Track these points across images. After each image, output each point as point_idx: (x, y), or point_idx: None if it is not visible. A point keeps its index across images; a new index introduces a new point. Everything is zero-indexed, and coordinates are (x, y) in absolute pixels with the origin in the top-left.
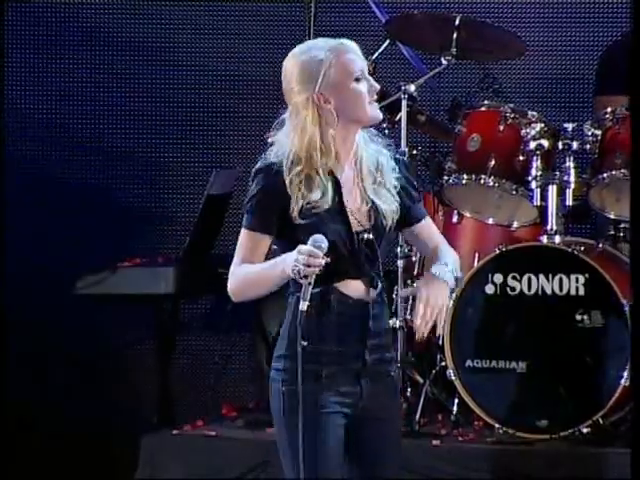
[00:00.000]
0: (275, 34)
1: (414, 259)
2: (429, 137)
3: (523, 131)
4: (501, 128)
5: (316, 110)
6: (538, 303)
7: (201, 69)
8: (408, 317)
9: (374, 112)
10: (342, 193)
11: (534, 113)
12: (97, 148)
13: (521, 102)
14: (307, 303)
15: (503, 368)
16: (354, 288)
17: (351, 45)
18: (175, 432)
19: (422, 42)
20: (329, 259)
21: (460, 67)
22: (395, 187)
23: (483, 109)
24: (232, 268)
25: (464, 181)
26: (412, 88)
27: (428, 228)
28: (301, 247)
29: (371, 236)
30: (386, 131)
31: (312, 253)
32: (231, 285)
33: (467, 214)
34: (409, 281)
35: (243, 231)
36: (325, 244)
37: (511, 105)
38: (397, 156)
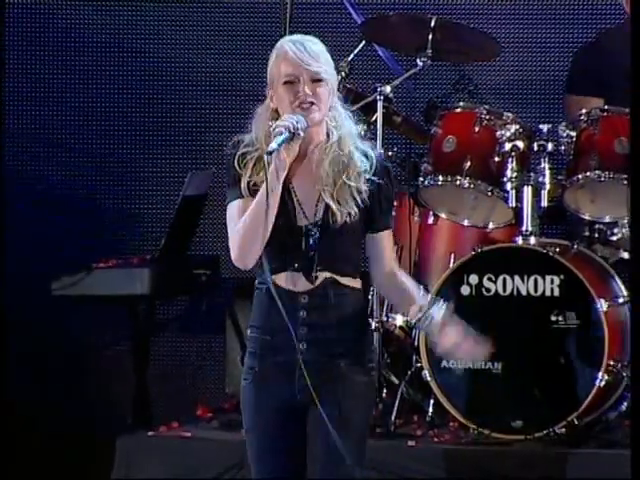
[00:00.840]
0: (253, 32)
1: None
2: (405, 138)
3: (498, 132)
4: (476, 129)
5: (268, 105)
6: (513, 304)
7: (177, 76)
8: (384, 319)
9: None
10: (292, 184)
11: (509, 114)
12: (73, 149)
13: (496, 103)
14: (275, 147)
15: (478, 369)
16: (287, 280)
17: (297, 46)
18: (150, 433)
19: (398, 43)
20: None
21: (435, 68)
22: (363, 192)
23: (458, 110)
24: (230, 243)
25: (440, 182)
26: (388, 89)
27: (382, 242)
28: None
29: (314, 231)
30: (362, 132)
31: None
32: (233, 247)
33: (443, 215)
34: None
35: (229, 206)
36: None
37: (486, 106)
38: (384, 163)
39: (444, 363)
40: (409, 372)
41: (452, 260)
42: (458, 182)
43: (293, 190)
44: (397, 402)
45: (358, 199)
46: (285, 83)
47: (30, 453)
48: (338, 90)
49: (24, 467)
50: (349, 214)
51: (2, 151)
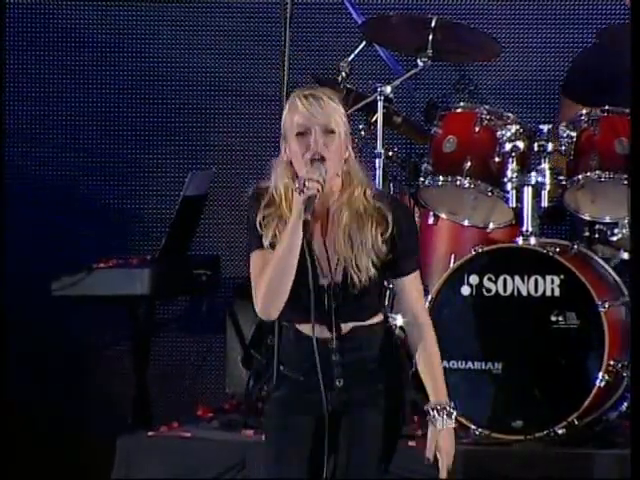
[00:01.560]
0: (254, 33)
1: None
2: (405, 138)
3: (499, 132)
4: (477, 129)
5: (282, 155)
6: (513, 304)
7: (177, 76)
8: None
9: (312, 172)
10: (311, 243)
11: (510, 115)
12: (73, 149)
13: (497, 104)
14: (309, 215)
15: (478, 369)
16: (309, 329)
17: (308, 99)
18: (151, 433)
19: (398, 43)
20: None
21: (436, 68)
22: (382, 253)
23: (459, 110)
24: (254, 293)
25: (440, 182)
26: (388, 89)
27: (406, 286)
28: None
29: (333, 289)
30: (362, 133)
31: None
32: (256, 299)
33: (443, 215)
34: (385, 282)
35: (251, 256)
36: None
37: (487, 107)
38: (400, 206)
39: (444, 363)
40: (409, 372)
41: (452, 260)
42: (458, 182)
43: (311, 249)
44: None
45: (377, 261)
46: (297, 135)
47: (30, 453)
48: (338, 91)
49: (24, 467)
50: (369, 278)
51: (2, 151)
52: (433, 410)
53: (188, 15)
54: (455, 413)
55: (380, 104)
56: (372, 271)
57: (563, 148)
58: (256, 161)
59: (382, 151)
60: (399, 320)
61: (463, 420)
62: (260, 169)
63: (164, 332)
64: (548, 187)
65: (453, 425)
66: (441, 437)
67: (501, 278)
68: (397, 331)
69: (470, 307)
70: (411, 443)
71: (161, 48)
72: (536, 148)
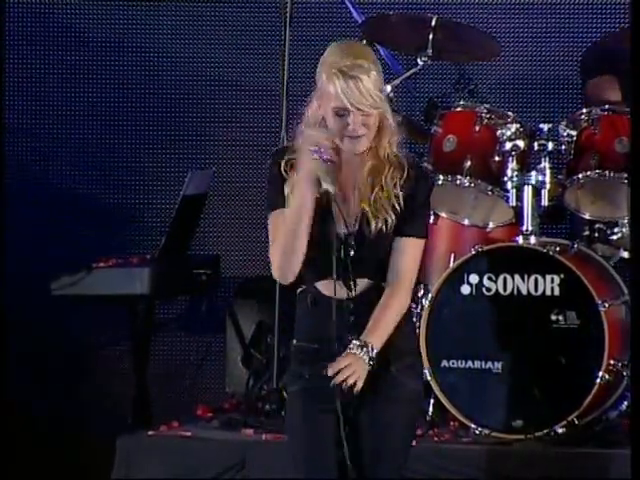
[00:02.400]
0: (256, 27)
1: None
2: (405, 138)
3: (499, 132)
4: (477, 129)
5: (316, 110)
6: (513, 303)
7: (177, 72)
8: None
9: (347, 147)
10: (333, 194)
11: (510, 114)
12: (74, 148)
13: (497, 103)
14: (332, 186)
15: (479, 368)
16: (330, 288)
17: (348, 83)
18: (151, 433)
19: (398, 43)
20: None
21: (436, 68)
22: (399, 197)
23: (459, 110)
24: (271, 251)
25: (440, 182)
26: (388, 88)
27: (404, 249)
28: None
29: (352, 239)
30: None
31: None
32: (273, 261)
33: (443, 214)
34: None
35: (269, 217)
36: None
37: (487, 106)
38: (420, 170)
39: (444, 362)
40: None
41: (452, 259)
42: (458, 181)
43: (334, 199)
44: None
45: (395, 205)
46: (335, 114)
47: (30, 453)
48: None
49: (24, 467)
50: (385, 221)
51: (2, 150)
52: (355, 342)
53: (189, 10)
54: (371, 353)
55: None
56: (390, 216)
57: (563, 147)
58: (257, 160)
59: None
60: None
61: (463, 419)
62: (261, 169)
63: (164, 332)
64: (548, 186)
65: (361, 356)
66: (341, 357)
67: (501, 277)
68: None
69: (470, 306)
70: None
71: (161, 44)
72: (536, 147)
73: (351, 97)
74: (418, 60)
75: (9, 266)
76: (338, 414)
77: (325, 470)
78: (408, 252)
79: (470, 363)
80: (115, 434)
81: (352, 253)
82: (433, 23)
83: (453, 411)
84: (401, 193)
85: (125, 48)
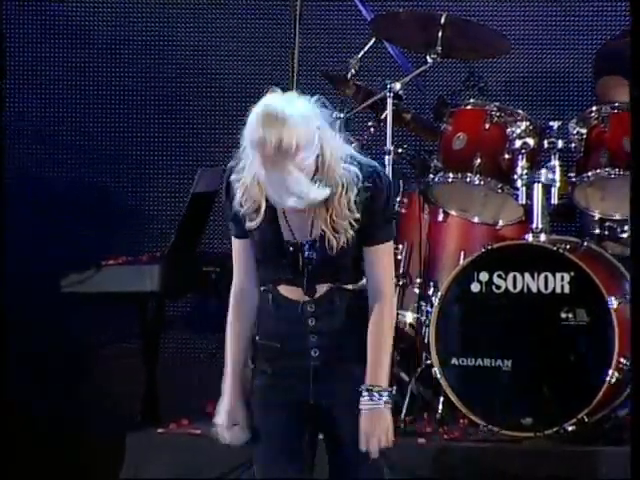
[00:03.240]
0: (262, 33)
1: (399, 257)
2: (414, 135)
3: (509, 129)
4: (487, 126)
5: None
6: (523, 301)
7: (185, 67)
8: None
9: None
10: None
11: (519, 111)
12: (82, 147)
13: (506, 101)
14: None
15: (488, 366)
16: (290, 291)
17: (263, 118)
18: (160, 431)
19: (407, 40)
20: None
21: (445, 65)
22: (354, 212)
23: (469, 107)
24: (235, 280)
25: (450, 179)
26: (398, 86)
27: (374, 256)
28: (224, 418)
29: (309, 248)
30: (372, 129)
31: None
32: (229, 312)
33: (453, 212)
34: (395, 279)
35: (232, 240)
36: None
37: (496, 104)
38: (379, 175)
39: (454, 360)
40: (419, 369)
41: (462, 257)
42: (468, 179)
43: (283, 213)
44: (407, 399)
45: (352, 222)
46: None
47: (39, 452)
48: (348, 88)
49: (24, 467)
50: (346, 239)
51: (4, 149)
52: (363, 392)
53: (196, 13)
54: (387, 396)
55: (389, 101)
56: (349, 232)
57: (573, 145)
58: None
59: (391, 148)
60: (408, 317)
61: (473, 417)
62: None
63: (173, 329)
64: (558, 184)
65: (381, 407)
66: (363, 418)
67: (511, 275)
68: (406, 328)
69: (480, 304)
70: (420, 440)
71: (169, 44)
72: (546, 145)
73: (279, 195)
74: (427, 58)
75: (10, 266)
76: (305, 411)
77: (284, 469)
78: (381, 259)
79: (480, 361)
80: (125, 431)
81: (311, 261)
82: (442, 21)
83: (463, 409)
84: (355, 208)
85: (129, 43)
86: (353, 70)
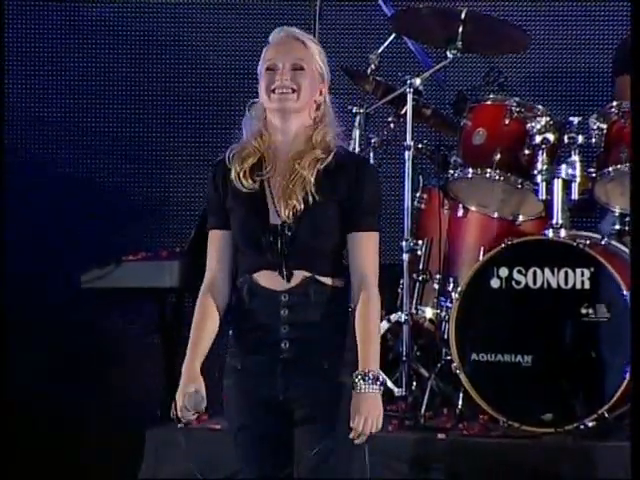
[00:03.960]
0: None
1: (419, 253)
2: (434, 131)
3: (528, 125)
4: (506, 122)
5: (259, 102)
6: (543, 297)
7: (205, 65)
8: (414, 311)
9: (272, 103)
10: (269, 180)
11: (540, 107)
12: (102, 143)
13: (526, 96)
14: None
15: (508, 362)
16: (266, 278)
17: (285, 35)
18: (180, 425)
19: (428, 36)
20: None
21: (465, 61)
22: (310, 183)
23: (488, 103)
24: (207, 271)
25: (469, 175)
26: (417, 82)
27: (357, 243)
28: (180, 398)
29: (288, 231)
30: (392, 125)
31: (183, 412)
32: (199, 296)
33: (472, 208)
34: (414, 275)
35: (210, 233)
36: (200, 408)
37: (516, 99)
38: (366, 164)
39: (474, 356)
40: (439, 365)
41: (482, 253)
42: (488, 175)
43: (269, 187)
44: (426, 395)
45: (308, 191)
46: (266, 70)
47: (61, 447)
48: (367, 82)
49: (54, 462)
50: (294, 208)
51: (2, 144)
52: (357, 377)
53: (215, 11)
54: (381, 381)
55: (409, 96)
56: (299, 205)
57: (593, 140)
58: None
59: (411, 143)
60: (428, 312)
61: (493, 412)
62: None
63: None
64: (578, 179)
65: (376, 391)
66: (359, 400)
67: (531, 271)
68: (426, 323)
69: (500, 300)
70: (440, 436)
71: (175, 43)
72: (566, 140)
73: (281, 49)
74: (448, 53)
75: (27, 263)
76: (276, 407)
77: (263, 468)
78: (363, 246)
79: (500, 357)
80: (144, 427)
81: (291, 241)
82: (463, 16)
83: (482, 405)
84: (313, 181)
85: (140, 40)
86: (373, 66)
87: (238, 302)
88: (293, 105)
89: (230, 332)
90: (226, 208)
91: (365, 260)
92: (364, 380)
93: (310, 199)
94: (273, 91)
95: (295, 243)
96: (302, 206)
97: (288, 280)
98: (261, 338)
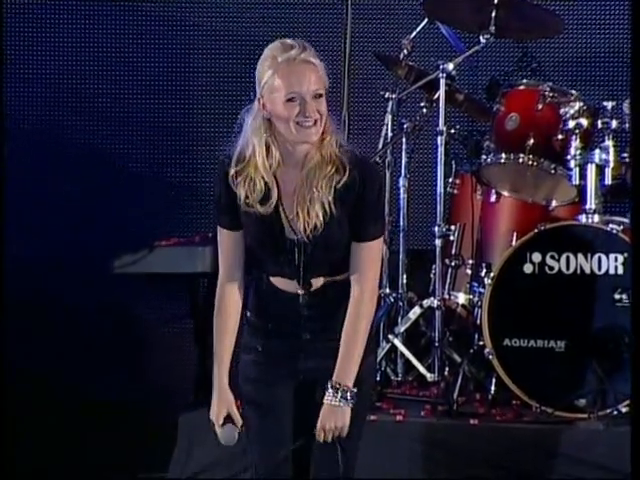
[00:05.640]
0: (311, 17)
1: (452, 238)
2: (467, 116)
3: (562, 110)
4: (540, 107)
5: (260, 113)
6: (576, 282)
7: (235, 54)
8: (446, 297)
9: (297, 135)
10: (281, 198)
11: (573, 92)
12: (137, 128)
13: (560, 81)
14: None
15: (541, 347)
16: (285, 284)
17: (297, 61)
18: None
19: (460, 21)
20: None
21: (498, 46)
22: (329, 203)
23: (521, 88)
24: (221, 271)
25: (502, 160)
26: (450, 67)
27: (360, 252)
28: (214, 418)
29: (305, 246)
30: (424, 110)
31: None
32: (217, 299)
33: (505, 193)
34: (447, 260)
35: (218, 228)
36: (229, 444)
37: (550, 84)
38: (369, 171)
39: (506, 341)
40: (471, 350)
41: (515, 238)
42: (521, 160)
43: (281, 204)
44: (459, 380)
45: (327, 209)
46: (287, 101)
47: (94, 433)
48: (400, 67)
49: (87, 447)
50: (315, 226)
51: (2, 138)
52: (330, 387)
53: (232, 5)
54: (351, 396)
55: (442, 82)
56: (319, 222)
57: (627, 125)
58: None
59: (444, 129)
60: (461, 298)
61: (525, 398)
62: None
63: None
64: (612, 164)
65: (342, 406)
66: (326, 410)
67: (564, 256)
68: (459, 309)
69: (533, 285)
70: (473, 421)
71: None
72: (600, 125)
73: (300, 79)
74: (481, 38)
75: (60, 249)
76: (295, 389)
77: (277, 440)
78: (368, 256)
79: (533, 342)
80: (177, 413)
81: (305, 259)
82: (496, 1)
83: (515, 390)
84: (331, 198)
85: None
86: (406, 51)
87: (256, 295)
88: (317, 136)
89: (247, 314)
90: (237, 212)
91: (365, 269)
92: (335, 393)
93: (328, 215)
94: (297, 123)
95: (313, 257)
96: (322, 222)
97: (306, 289)
98: (282, 327)
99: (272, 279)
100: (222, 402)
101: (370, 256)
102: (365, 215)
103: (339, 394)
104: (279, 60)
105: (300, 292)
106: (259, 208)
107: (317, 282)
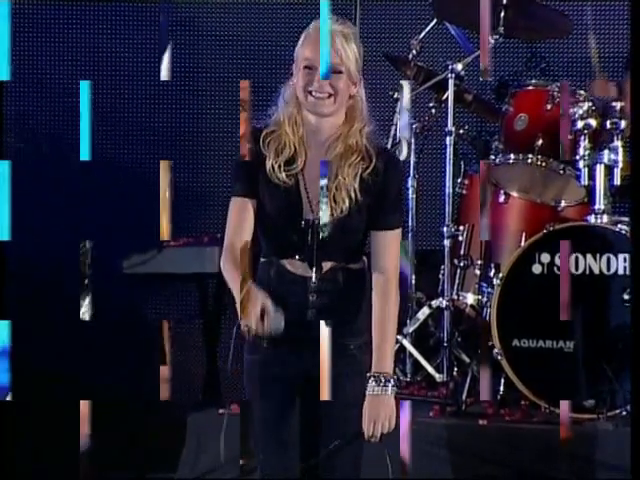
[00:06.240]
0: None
1: (460, 239)
2: (476, 116)
3: (571, 110)
4: (548, 107)
5: (291, 83)
6: (585, 283)
7: (241, 57)
8: (455, 297)
9: (307, 104)
10: (303, 175)
11: (582, 92)
12: (143, 128)
13: (568, 81)
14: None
15: (550, 348)
16: (295, 266)
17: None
18: (221, 411)
19: (469, 21)
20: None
21: (507, 46)
22: (355, 191)
23: (530, 88)
24: (225, 240)
25: (511, 160)
26: (459, 67)
27: (381, 241)
28: (256, 311)
29: (322, 227)
30: (433, 111)
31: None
32: (221, 262)
33: (514, 194)
34: (456, 260)
35: (232, 200)
36: (279, 331)
37: (558, 84)
38: (392, 161)
39: (515, 342)
40: (480, 351)
41: (523, 239)
42: (530, 160)
43: (304, 181)
44: (468, 381)
45: (352, 195)
46: (304, 68)
47: (102, 431)
48: (409, 68)
49: (95, 446)
50: (341, 210)
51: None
52: (370, 379)
53: (238, 7)
54: (393, 383)
55: (451, 82)
56: (345, 206)
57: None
58: None
59: (453, 129)
60: (469, 298)
61: (534, 398)
62: None
63: (233, 310)
64: (621, 165)
65: (387, 393)
66: (370, 402)
67: (573, 256)
68: (467, 309)
69: (541, 285)
70: (482, 422)
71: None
72: (608, 125)
73: (318, 55)
74: (490, 38)
75: (69, 248)
76: (301, 382)
77: (282, 440)
78: (389, 245)
79: (541, 342)
80: (185, 413)
81: (318, 239)
82: (505, 1)
83: (524, 390)
84: (357, 186)
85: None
86: (414, 51)
87: (264, 281)
88: (329, 110)
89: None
90: (256, 179)
91: (388, 259)
92: (376, 382)
93: (353, 202)
94: (310, 92)
95: (328, 240)
96: (347, 207)
97: (317, 271)
98: (288, 316)
99: (282, 261)
100: (257, 298)
101: (393, 245)
102: (387, 204)
103: (381, 381)
104: (310, 30)
105: (310, 275)
106: (283, 175)
107: (327, 265)
